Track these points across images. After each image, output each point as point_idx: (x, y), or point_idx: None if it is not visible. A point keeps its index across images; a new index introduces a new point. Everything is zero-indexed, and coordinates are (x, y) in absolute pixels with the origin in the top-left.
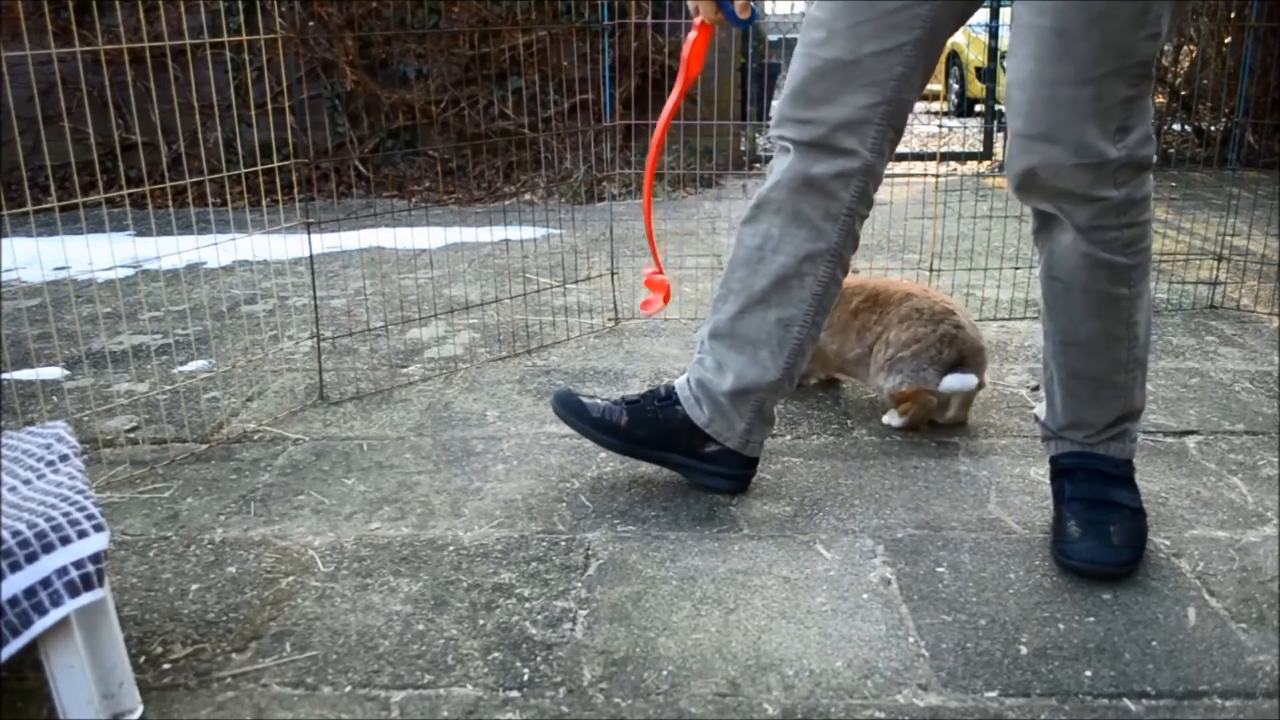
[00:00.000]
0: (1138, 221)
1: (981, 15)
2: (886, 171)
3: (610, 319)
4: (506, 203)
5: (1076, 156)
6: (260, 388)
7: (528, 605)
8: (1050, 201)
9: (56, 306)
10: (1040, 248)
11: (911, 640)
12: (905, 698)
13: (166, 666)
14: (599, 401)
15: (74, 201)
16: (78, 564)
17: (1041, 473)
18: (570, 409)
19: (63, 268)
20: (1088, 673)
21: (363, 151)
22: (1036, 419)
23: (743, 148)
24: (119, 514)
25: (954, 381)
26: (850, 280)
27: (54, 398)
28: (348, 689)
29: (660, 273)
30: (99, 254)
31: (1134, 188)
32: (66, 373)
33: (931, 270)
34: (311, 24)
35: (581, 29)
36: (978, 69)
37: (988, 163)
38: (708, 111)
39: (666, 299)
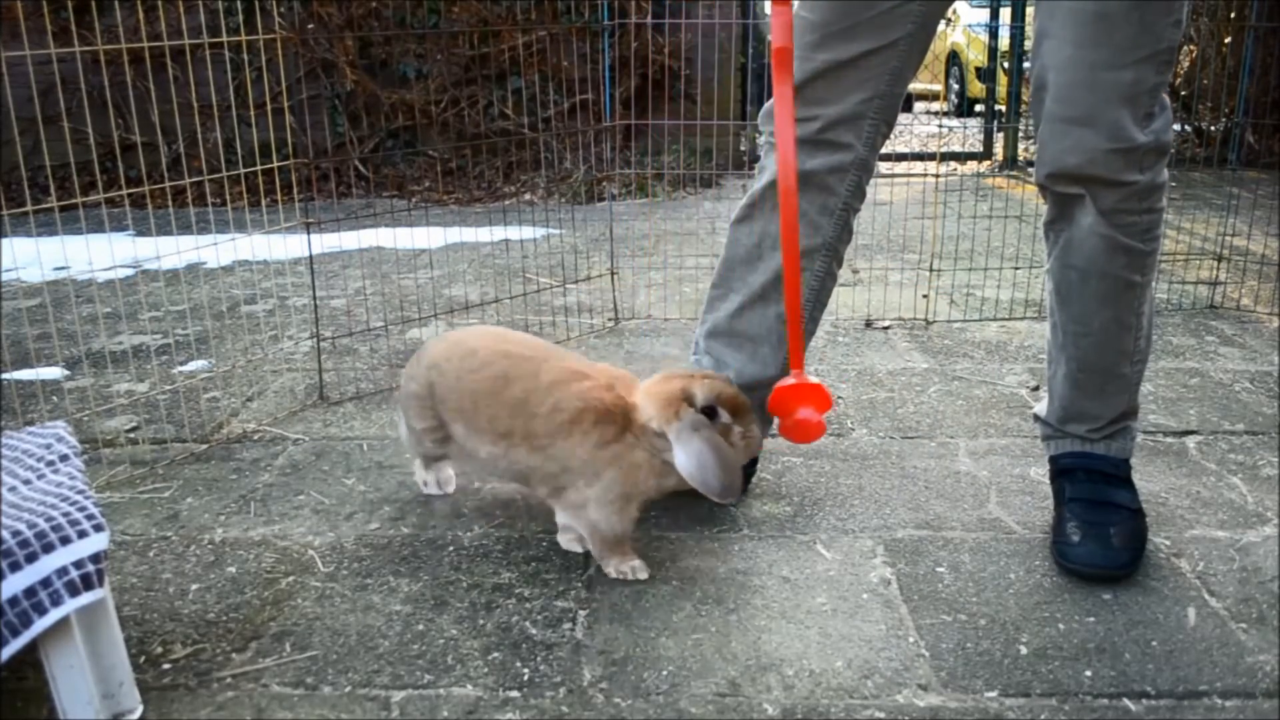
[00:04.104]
0: (1156, 208)
1: (981, 15)
2: (887, 171)
3: (610, 319)
4: (506, 203)
5: (1111, 141)
6: (260, 388)
7: (528, 605)
8: (1078, 185)
9: (56, 306)
10: (1055, 237)
11: (911, 640)
12: (905, 698)
13: (166, 666)
14: None
15: (74, 201)
16: (78, 564)
17: (1041, 473)
18: None
19: (63, 268)
20: (1088, 673)
21: (363, 151)
22: (1037, 418)
23: (743, 148)
24: (119, 514)
25: None
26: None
27: (54, 398)
28: (348, 689)
29: (800, 370)
30: (99, 254)
31: (1156, 173)
32: (66, 373)
33: (931, 270)
34: (311, 24)
35: (581, 29)
36: (978, 69)
37: (988, 163)
38: (708, 111)
39: (824, 406)
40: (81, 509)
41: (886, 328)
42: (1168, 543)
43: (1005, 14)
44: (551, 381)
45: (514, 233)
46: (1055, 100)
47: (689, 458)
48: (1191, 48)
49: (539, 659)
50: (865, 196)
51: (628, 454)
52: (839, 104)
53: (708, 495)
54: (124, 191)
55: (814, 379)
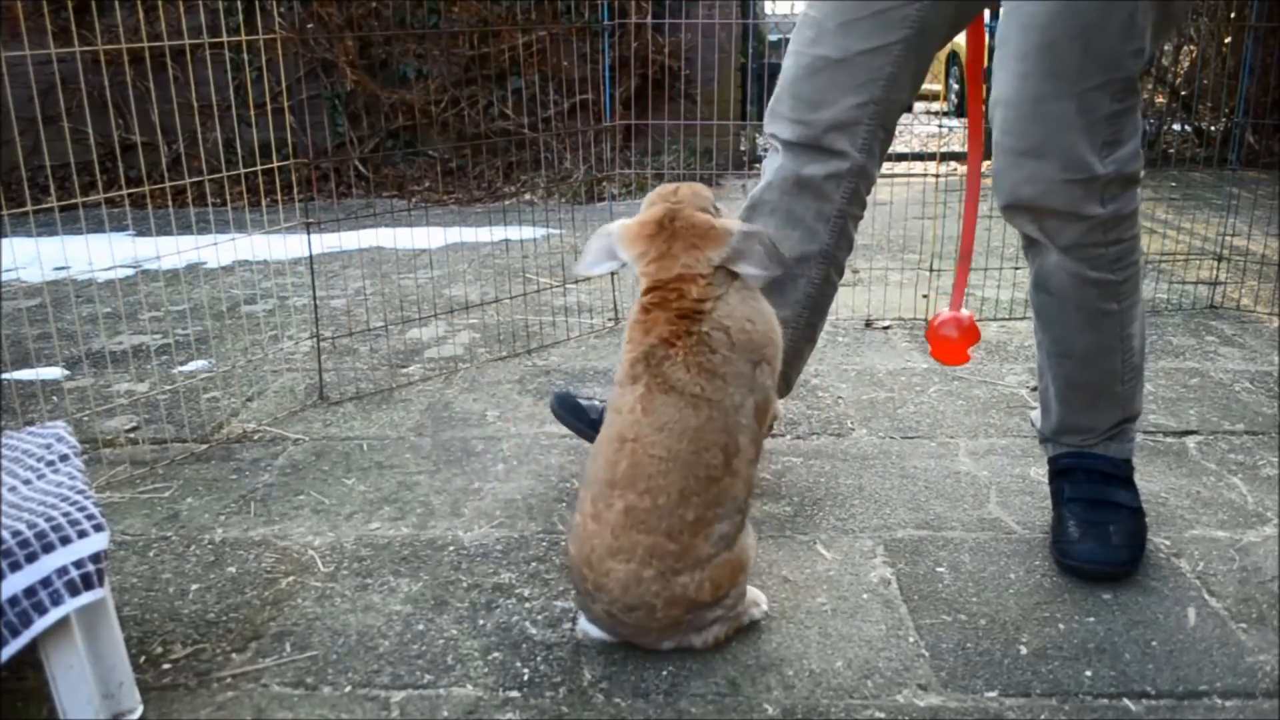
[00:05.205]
0: (1125, 238)
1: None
2: (887, 171)
3: (610, 319)
4: (506, 203)
5: (1065, 172)
6: (260, 388)
7: (528, 605)
8: (1036, 223)
9: (56, 306)
10: (1031, 260)
11: (911, 640)
12: (905, 698)
13: (166, 666)
14: (597, 403)
15: (74, 201)
16: (78, 564)
17: (1041, 473)
18: (569, 410)
19: (63, 268)
20: (1088, 673)
21: (363, 151)
22: (1033, 425)
23: (743, 148)
24: (119, 514)
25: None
26: None
27: (54, 398)
28: (348, 689)
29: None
30: (99, 254)
31: (1122, 203)
32: (66, 373)
33: (931, 270)
34: (311, 24)
35: (581, 29)
36: None
37: (988, 163)
38: (708, 111)
39: (970, 340)
40: (81, 509)
41: (886, 328)
42: (1168, 543)
43: None
44: (661, 396)
45: (514, 233)
46: (1007, 133)
47: (757, 257)
48: (1191, 48)
49: (539, 659)
50: (865, 205)
51: (746, 304)
52: (832, 108)
53: (774, 274)
54: (124, 191)
55: (966, 313)
